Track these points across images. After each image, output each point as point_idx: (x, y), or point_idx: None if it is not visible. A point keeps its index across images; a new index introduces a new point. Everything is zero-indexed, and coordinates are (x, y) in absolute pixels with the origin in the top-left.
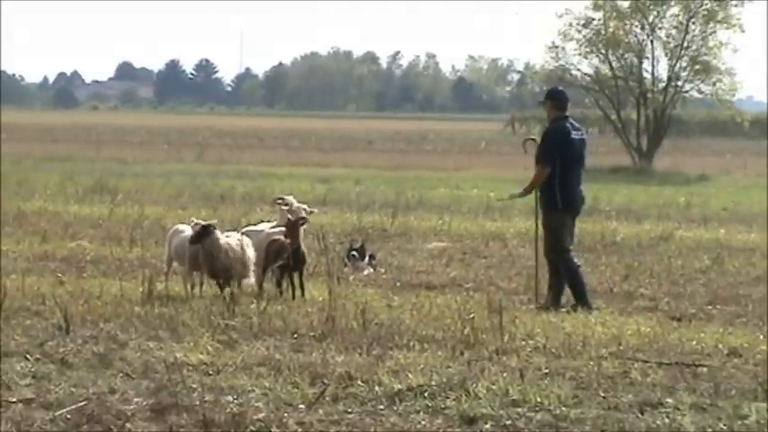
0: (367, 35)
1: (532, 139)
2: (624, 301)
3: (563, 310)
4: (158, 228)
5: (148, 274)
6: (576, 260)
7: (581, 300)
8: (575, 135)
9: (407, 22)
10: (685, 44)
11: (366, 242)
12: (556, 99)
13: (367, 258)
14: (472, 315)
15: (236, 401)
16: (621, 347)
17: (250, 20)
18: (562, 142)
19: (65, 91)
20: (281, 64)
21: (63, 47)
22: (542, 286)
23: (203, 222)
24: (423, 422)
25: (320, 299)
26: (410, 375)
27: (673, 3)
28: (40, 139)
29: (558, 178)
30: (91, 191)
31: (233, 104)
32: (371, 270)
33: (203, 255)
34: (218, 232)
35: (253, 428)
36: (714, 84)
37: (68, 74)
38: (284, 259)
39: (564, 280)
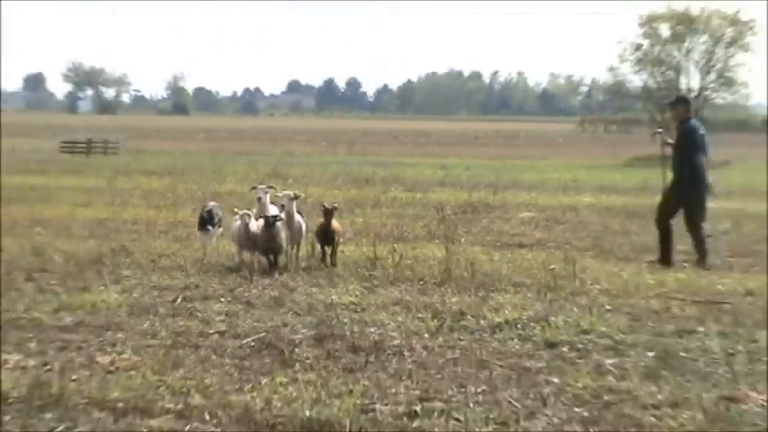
0: (474, 57)
1: (659, 132)
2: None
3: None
4: (317, 204)
5: (311, 238)
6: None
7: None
8: (702, 131)
9: (503, 49)
10: (712, 63)
11: (470, 212)
12: (688, 103)
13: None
14: (553, 266)
15: (377, 332)
16: (665, 289)
17: (387, 46)
18: (699, 136)
19: (248, 102)
20: (410, 81)
21: (248, 68)
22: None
23: (272, 215)
24: (516, 347)
25: (439, 255)
26: (506, 311)
27: (703, 31)
28: (231, 138)
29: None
30: (268, 176)
31: (374, 111)
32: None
33: (268, 237)
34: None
35: (389, 352)
36: (734, 93)
37: (252, 89)
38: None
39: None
